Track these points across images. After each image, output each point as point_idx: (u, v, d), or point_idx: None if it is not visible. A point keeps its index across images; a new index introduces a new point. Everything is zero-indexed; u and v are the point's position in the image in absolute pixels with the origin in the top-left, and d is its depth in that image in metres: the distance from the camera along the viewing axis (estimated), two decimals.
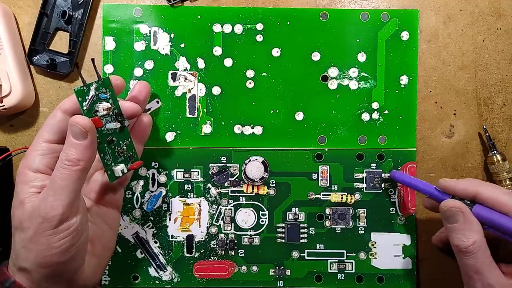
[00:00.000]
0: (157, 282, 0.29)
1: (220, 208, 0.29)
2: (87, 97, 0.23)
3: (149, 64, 0.29)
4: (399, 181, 0.28)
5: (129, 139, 0.25)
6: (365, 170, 0.29)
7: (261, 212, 0.29)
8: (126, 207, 0.29)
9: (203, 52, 0.29)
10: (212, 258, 0.29)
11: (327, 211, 0.29)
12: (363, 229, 0.29)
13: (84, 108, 0.23)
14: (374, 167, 0.29)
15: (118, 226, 0.28)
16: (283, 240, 0.29)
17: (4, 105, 0.27)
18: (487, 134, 0.29)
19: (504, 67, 0.30)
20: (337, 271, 0.29)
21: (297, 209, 0.29)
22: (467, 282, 0.23)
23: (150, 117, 0.27)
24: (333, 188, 0.29)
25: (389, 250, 0.29)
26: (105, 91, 0.23)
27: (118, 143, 0.24)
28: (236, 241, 0.29)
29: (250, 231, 0.29)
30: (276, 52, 0.29)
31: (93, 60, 0.23)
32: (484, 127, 0.29)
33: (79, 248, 0.23)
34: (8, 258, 0.23)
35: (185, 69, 0.29)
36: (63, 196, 0.21)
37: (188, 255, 0.29)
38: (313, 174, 0.29)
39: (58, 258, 0.22)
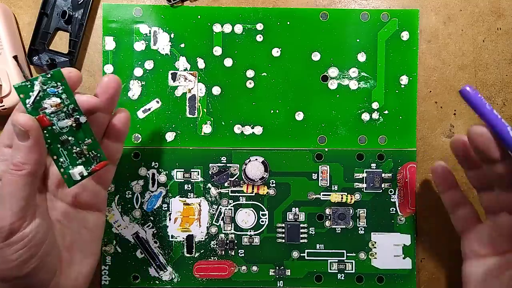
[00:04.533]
0: (157, 282, 0.29)
1: (220, 208, 0.29)
2: (31, 93, 0.21)
3: (149, 64, 0.29)
4: (469, 103, 0.23)
5: (92, 138, 0.23)
6: (365, 170, 0.29)
7: (261, 212, 0.29)
8: (126, 207, 0.29)
9: (203, 52, 0.29)
10: (212, 258, 0.29)
11: (327, 211, 0.29)
12: (363, 229, 0.29)
13: (28, 105, 0.21)
14: (374, 167, 0.29)
15: (102, 229, 0.26)
16: (283, 240, 0.29)
17: (4, 105, 0.27)
18: None
19: (504, 67, 0.30)
20: (337, 271, 0.29)
21: (297, 209, 0.29)
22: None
23: (127, 111, 0.25)
24: (333, 188, 0.29)
25: (389, 250, 0.29)
26: (55, 85, 0.21)
27: (75, 142, 0.22)
28: (236, 241, 0.29)
29: (250, 231, 0.29)
30: (276, 52, 0.29)
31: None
32: None
33: (43, 259, 0.21)
34: None
35: (185, 69, 0.29)
36: (11, 205, 0.20)
37: (188, 255, 0.29)
38: (313, 174, 0.29)
39: (18, 271, 0.20)
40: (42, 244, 0.21)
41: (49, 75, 0.21)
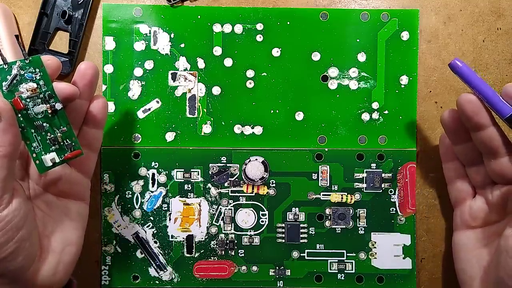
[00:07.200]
0: (157, 282, 0.29)
1: (220, 208, 0.29)
2: (8, 76, 0.21)
3: (149, 64, 0.29)
4: (459, 75, 0.24)
5: (67, 126, 0.23)
6: (365, 170, 0.29)
7: (261, 212, 0.29)
8: (126, 207, 0.29)
9: (203, 52, 0.29)
10: (212, 258, 0.29)
11: (327, 211, 0.29)
12: (363, 229, 0.29)
13: (4, 88, 0.21)
14: (374, 167, 0.29)
15: (85, 219, 0.26)
16: (283, 240, 0.29)
17: None
18: None
19: (504, 67, 0.30)
20: (337, 271, 0.29)
21: (297, 209, 0.29)
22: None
23: (104, 98, 0.25)
24: (333, 188, 0.29)
25: (389, 250, 0.29)
26: (33, 70, 0.22)
27: (50, 129, 0.22)
28: (236, 241, 0.29)
29: (250, 231, 0.29)
30: (276, 52, 0.29)
31: (17, 36, 0.22)
32: None
33: (21, 244, 0.21)
34: None
35: (185, 69, 0.29)
36: None
37: (188, 255, 0.29)
38: (313, 174, 0.29)
39: None
40: (19, 229, 0.21)
41: (28, 61, 0.21)
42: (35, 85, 0.21)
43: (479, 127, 0.23)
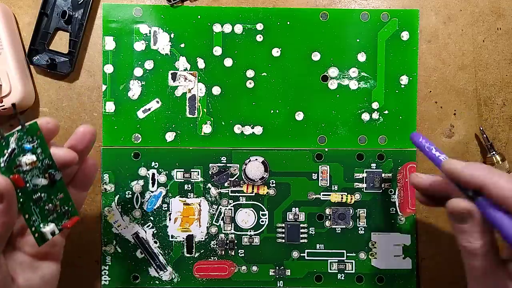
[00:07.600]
0: (157, 282, 0.29)
1: (220, 208, 0.29)
2: (5, 151, 0.19)
3: (149, 64, 0.29)
4: (417, 145, 0.24)
5: (64, 192, 0.22)
6: (365, 170, 0.29)
7: (261, 212, 0.29)
8: (126, 207, 0.29)
9: (203, 52, 0.29)
10: (212, 258, 0.29)
11: (327, 211, 0.29)
12: (363, 229, 0.29)
13: (2, 165, 0.19)
14: (374, 167, 0.29)
15: (56, 279, 0.24)
16: (283, 240, 0.29)
17: (4, 105, 0.27)
18: (484, 135, 0.29)
19: (504, 67, 0.30)
20: (337, 271, 0.29)
21: (297, 209, 0.29)
22: (472, 284, 0.22)
23: (95, 161, 0.24)
24: (333, 188, 0.29)
25: (389, 250, 0.29)
26: (31, 139, 0.20)
27: (48, 199, 0.21)
28: (236, 241, 0.29)
29: (250, 231, 0.29)
30: (276, 52, 0.29)
31: (14, 105, 0.21)
32: (481, 128, 0.29)
33: None
34: None
35: (185, 69, 0.29)
36: None
37: (188, 255, 0.29)
38: (313, 174, 0.29)
39: None
40: None
41: (25, 130, 0.20)
42: (34, 157, 0.20)
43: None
